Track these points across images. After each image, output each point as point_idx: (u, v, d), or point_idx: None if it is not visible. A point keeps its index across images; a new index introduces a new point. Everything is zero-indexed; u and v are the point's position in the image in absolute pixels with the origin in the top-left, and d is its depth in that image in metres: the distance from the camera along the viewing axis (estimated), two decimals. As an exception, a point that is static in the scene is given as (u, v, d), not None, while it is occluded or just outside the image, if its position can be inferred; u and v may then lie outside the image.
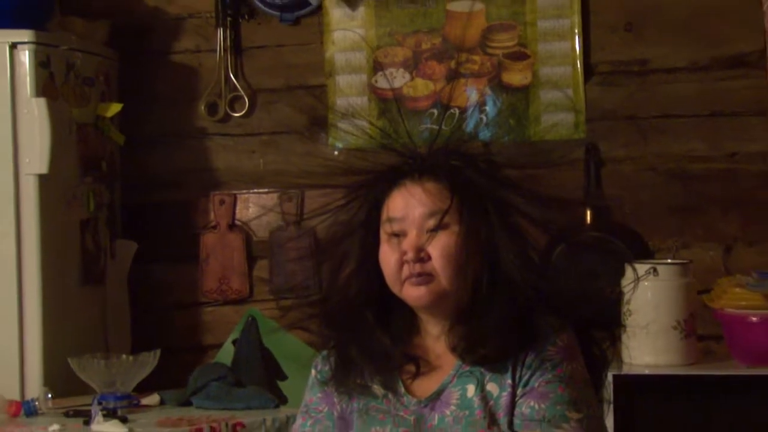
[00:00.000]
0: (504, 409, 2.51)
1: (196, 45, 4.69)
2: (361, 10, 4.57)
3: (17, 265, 3.92)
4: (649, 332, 3.81)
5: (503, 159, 2.68)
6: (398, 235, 2.55)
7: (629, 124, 4.43)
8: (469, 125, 4.27)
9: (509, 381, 2.52)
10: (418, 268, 2.52)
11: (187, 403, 3.85)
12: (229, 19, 4.61)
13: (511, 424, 2.51)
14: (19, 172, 3.94)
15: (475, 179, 2.58)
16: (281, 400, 3.81)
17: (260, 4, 4.61)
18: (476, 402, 2.52)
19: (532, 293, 2.55)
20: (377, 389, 2.58)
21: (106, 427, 3.51)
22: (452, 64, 4.54)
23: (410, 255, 2.53)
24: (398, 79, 4.53)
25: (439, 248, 2.53)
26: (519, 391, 2.52)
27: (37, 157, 3.92)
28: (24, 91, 3.96)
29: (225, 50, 4.61)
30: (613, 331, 2.72)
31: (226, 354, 4.16)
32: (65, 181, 4.10)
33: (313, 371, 2.68)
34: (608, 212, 4.38)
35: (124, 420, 3.56)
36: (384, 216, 2.57)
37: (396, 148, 2.64)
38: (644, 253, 4.23)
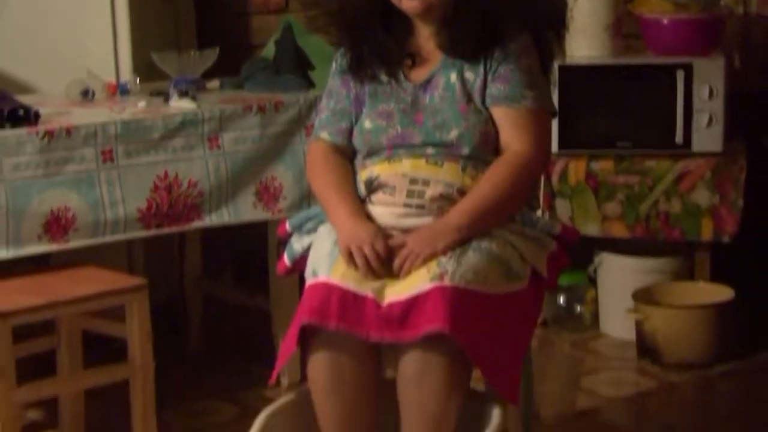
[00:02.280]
0: (477, 91, 2.53)
1: None
2: None
3: (110, -11, 3.90)
4: (586, 33, 3.79)
5: None
6: (398, -39, 2.50)
7: None
8: None
9: (481, 70, 2.53)
10: (412, -16, 2.49)
11: (240, 87, 3.83)
12: None
13: (483, 102, 2.53)
14: None
15: None
16: (311, 84, 3.79)
17: None
18: (457, 86, 2.52)
19: (499, 4, 2.53)
20: (383, 77, 2.59)
21: (180, 103, 3.49)
22: None
23: (407, -24, 2.49)
24: None
25: (428, -30, 2.49)
26: (489, 78, 2.53)
27: None
28: None
29: None
30: (560, 32, 2.70)
31: (269, 51, 4.11)
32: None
33: (334, 64, 2.68)
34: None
35: (194, 98, 3.54)
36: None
37: None
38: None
